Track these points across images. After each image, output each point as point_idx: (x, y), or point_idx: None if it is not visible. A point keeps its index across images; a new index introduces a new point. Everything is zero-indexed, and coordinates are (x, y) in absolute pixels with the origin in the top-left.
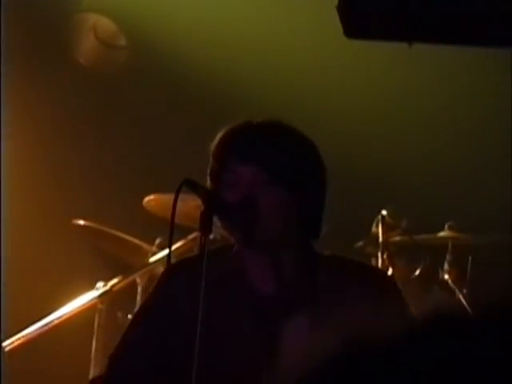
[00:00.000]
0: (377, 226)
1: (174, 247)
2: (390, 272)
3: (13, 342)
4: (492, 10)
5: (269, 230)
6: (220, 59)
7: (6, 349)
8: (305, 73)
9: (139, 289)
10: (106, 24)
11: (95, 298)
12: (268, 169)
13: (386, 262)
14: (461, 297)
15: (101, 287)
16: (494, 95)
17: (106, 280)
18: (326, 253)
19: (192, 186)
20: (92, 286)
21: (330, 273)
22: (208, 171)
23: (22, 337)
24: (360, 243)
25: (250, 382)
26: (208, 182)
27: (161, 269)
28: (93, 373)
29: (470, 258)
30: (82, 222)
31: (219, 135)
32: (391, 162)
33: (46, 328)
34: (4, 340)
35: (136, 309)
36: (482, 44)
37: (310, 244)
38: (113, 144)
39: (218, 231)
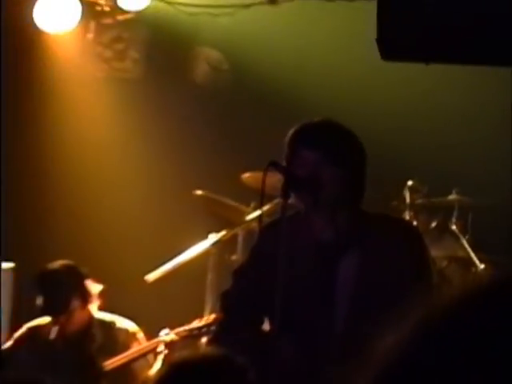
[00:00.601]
0: (405, 192)
1: (263, 209)
2: (414, 224)
3: (155, 276)
4: None
5: (328, 196)
6: (293, 79)
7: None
8: (347, 87)
9: (239, 238)
10: (214, 54)
11: (209, 245)
12: (325, 153)
13: (412, 217)
14: (464, 242)
15: (213, 237)
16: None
17: (217, 232)
18: (370, 211)
19: (275, 166)
20: (206, 237)
21: (372, 225)
22: (284, 156)
23: (162, 271)
24: (394, 203)
25: (315, 304)
26: (284, 164)
27: (254, 224)
28: (208, 301)
29: (470, 214)
30: (199, 192)
31: (290, 131)
32: (416, 146)
33: (175, 267)
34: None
35: (238, 253)
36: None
37: (357, 204)
38: (221, 136)
39: (291, 200)
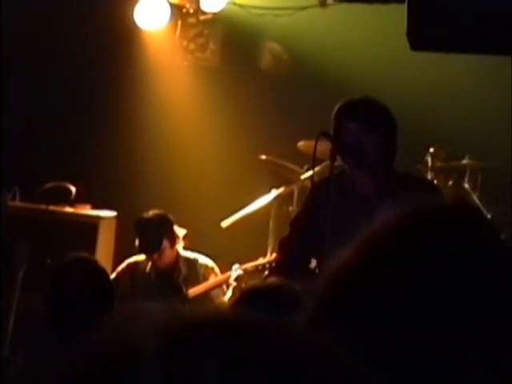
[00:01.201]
0: (427, 157)
1: (315, 170)
2: (435, 182)
3: (229, 222)
4: None
5: (368, 158)
6: (339, 66)
7: (225, 225)
8: (382, 72)
9: (295, 194)
10: (276, 46)
11: (271, 199)
12: (366, 123)
13: (433, 177)
14: (475, 197)
15: (274, 192)
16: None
17: (277, 188)
18: (400, 170)
19: (325, 134)
20: (268, 192)
21: (402, 181)
22: (331, 128)
23: (234, 219)
24: (418, 166)
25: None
26: (332, 133)
27: (307, 182)
28: (270, 244)
29: (479, 175)
30: (263, 157)
31: (336, 106)
32: (433, 118)
33: (245, 216)
34: None
35: (294, 205)
36: None
37: (391, 164)
38: (281, 111)
39: (339, 160)
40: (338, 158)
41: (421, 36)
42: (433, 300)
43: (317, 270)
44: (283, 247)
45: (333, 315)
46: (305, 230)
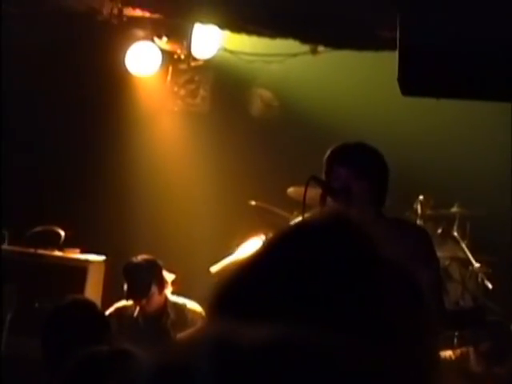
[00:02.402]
0: (416, 205)
1: (304, 216)
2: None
3: (218, 268)
4: None
5: (358, 203)
6: (329, 113)
7: (214, 271)
8: (372, 118)
9: None
10: (266, 93)
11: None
12: (355, 169)
13: (423, 223)
14: (463, 245)
15: (263, 238)
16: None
17: (266, 234)
18: (389, 216)
19: (314, 179)
20: (257, 238)
21: (391, 225)
22: (323, 172)
23: (223, 264)
24: (407, 213)
25: None
26: (323, 177)
27: None
28: None
29: (468, 223)
30: (253, 203)
31: (328, 151)
32: (423, 165)
33: (234, 261)
34: None
35: None
36: None
37: (380, 210)
38: (271, 158)
39: (328, 206)
40: (329, 202)
41: (411, 82)
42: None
43: None
44: None
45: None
46: None
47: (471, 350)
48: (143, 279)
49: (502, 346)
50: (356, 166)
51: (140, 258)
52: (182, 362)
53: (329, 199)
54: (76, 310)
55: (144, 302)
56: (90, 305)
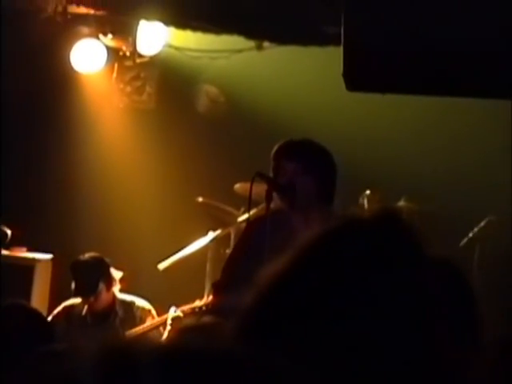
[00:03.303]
0: (363, 199)
1: (251, 212)
2: None
3: (165, 265)
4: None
5: (302, 199)
6: (277, 108)
7: (162, 268)
8: (319, 114)
9: (232, 236)
10: (212, 89)
11: (208, 241)
12: (301, 165)
13: None
14: None
15: (211, 235)
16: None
17: (214, 231)
18: (337, 212)
19: (261, 175)
20: (205, 235)
21: None
22: (270, 168)
23: (171, 261)
24: (354, 208)
25: None
26: (271, 173)
27: (244, 224)
28: (207, 286)
29: (415, 218)
30: (200, 199)
31: (275, 147)
32: (370, 161)
33: (181, 258)
34: None
35: (231, 247)
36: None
37: (327, 206)
38: (218, 154)
39: (275, 202)
40: (276, 198)
41: (356, 77)
42: (361, 307)
43: None
44: (217, 290)
45: (264, 327)
46: (240, 270)
47: None
48: (91, 277)
49: None
50: (302, 162)
51: (87, 255)
52: (125, 362)
53: (275, 195)
54: (14, 316)
55: (92, 299)
56: (29, 310)
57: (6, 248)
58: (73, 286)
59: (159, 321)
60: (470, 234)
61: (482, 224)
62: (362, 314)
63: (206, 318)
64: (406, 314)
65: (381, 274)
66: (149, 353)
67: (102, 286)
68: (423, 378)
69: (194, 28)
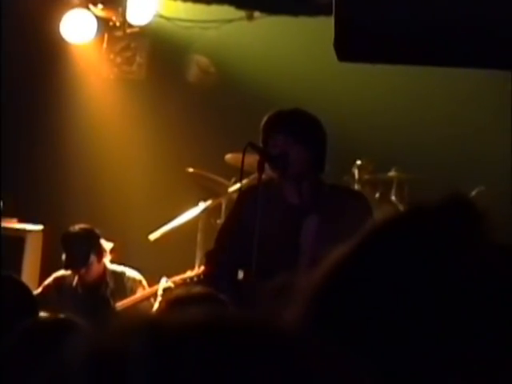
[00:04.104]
0: (354, 169)
1: (243, 182)
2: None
3: (156, 235)
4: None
5: (294, 169)
6: (268, 79)
7: (153, 238)
8: (310, 83)
9: (223, 206)
10: (203, 59)
11: (199, 212)
12: (292, 135)
13: (360, 189)
14: (402, 209)
15: (202, 205)
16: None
17: (205, 201)
18: (327, 182)
19: (252, 146)
20: (196, 205)
21: (329, 192)
22: (260, 138)
23: (162, 232)
24: (345, 177)
25: (282, 254)
26: (261, 144)
27: (235, 195)
28: (198, 256)
29: (406, 187)
30: (191, 170)
31: (265, 118)
32: (361, 131)
33: (172, 229)
34: None
35: (222, 218)
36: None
37: (318, 176)
38: (209, 124)
39: (266, 172)
40: (267, 168)
41: (347, 47)
42: (426, 300)
43: (243, 281)
44: (210, 259)
45: (326, 315)
46: (232, 239)
47: None
48: (81, 249)
49: None
50: (293, 132)
51: (77, 227)
52: (117, 346)
53: (267, 166)
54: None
55: (83, 271)
56: (13, 281)
57: None
58: (63, 257)
59: (150, 291)
60: None
61: (473, 194)
62: (445, 304)
63: (197, 288)
64: (489, 302)
65: (460, 261)
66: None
67: (92, 257)
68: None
69: None
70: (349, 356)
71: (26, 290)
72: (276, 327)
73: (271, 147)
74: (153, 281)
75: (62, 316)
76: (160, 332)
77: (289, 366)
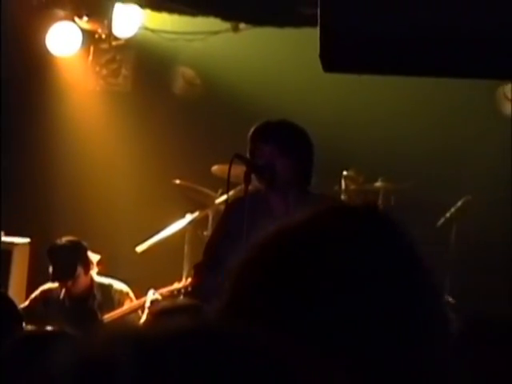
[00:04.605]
0: (342, 180)
1: (229, 193)
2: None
3: (143, 247)
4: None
5: (280, 180)
6: (252, 90)
7: (140, 250)
8: (295, 95)
9: (210, 218)
10: (188, 71)
11: (186, 223)
12: (279, 146)
13: (347, 199)
14: None
15: (189, 217)
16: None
17: (192, 213)
18: (315, 192)
19: (239, 157)
20: (183, 217)
21: (315, 202)
22: (247, 150)
23: (149, 244)
24: (336, 188)
25: None
26: (248, 155)
27: (222, 206)
28: (185, 268)
29: (392, 197)
30: (178, 181)
31: (252, 129)
32: (347, 142)
33: (159, 241)
34: None
35: (209, 229)
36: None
37: (305, 187)
38: (194, 136)
39: (253, 184)
40: (254, 179)
41: (332, 58)
42: (337, 295)
43: None
44: (198, 271)
45: (242, 315)
46: (220, 250)
47: None
48: (68, 261)
49: None
50: (279, 143)
51: (64, 239)
52: (103, 355)
53: (253, 176)
54: None
55: (70, 283)
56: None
57: None
58: (50, 270)
59: (138, 304)
60: (447, 214)
61: (459, 204)
62: (347, 293)
63: (182, 300)
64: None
65: (364, 254)
66: (126, 349)
67: (79, 269)
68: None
69: (170, 10)
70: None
71: (11, 303)
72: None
73: (258, 157)
74: (140, 293)
75: (48, 328)
76: (144, 340)
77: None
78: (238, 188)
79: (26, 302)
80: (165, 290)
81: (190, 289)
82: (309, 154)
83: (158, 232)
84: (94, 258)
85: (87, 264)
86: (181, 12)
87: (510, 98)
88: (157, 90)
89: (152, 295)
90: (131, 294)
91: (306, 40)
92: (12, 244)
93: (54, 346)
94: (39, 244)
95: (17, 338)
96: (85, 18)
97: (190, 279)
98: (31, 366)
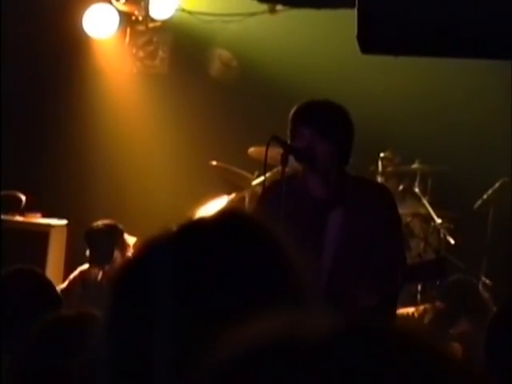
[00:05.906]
0: (378, 162)
1: (266, 175)
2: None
3: None
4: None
5: (320, 164)
6: (288, 71)
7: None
8: (332, 76)
9: (246, 199)
10: (225, 53)
11: (222, 205)
12: (319, 129)
13: (383, 181)
14: (425, 201)
15: (225, 198)
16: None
17: (228, 195)
18: (352, 174)
19: (276, 139)
20: (219, 199)
21: (354, 185)
22: (288, 131)
23: None
24: (372, 168)
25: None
26: (288, 135)
27: (258, 188)
28: None
29: (429, 179)
30: (214, 163)
31: (292, 110)
32: (384, 122)
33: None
34: None
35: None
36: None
37: (343, 168)
38: (231, 118)
39: (290, 165)
40: (291, 161)
41: (370, 39)
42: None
43: None
44: None
45: None
46: None
47: (429, 307)
48: (105, 246)
49: (455, 307)
50: (320, 127)
51: (101, 223)
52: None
53: (291, 158)
54: (20, 281)
55: (107, 267)
56: (36, 275)
57: (21, 214)
58: (87, 254)
59: None
60: (484, 196)
61: (496, 186)
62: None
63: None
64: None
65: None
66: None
67: (116, 253)
68: None
69: None
70: None
71: (49, 285)
72: None
73: (298, 140)
74: None
75: (84, 311)
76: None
77: None
78: (275, 170)
79: (65, 284)
80: None
81: None
82: (350, 137)
83: (194, 214)
84: (131, 240)
85: (124, 247)
86: None
87: None
88: (193, 72)
89: None
90: None
91: (343, 21)
92: (49, 226)
93: (87, 329)
94: (76, 226)
95: (50, 319)
96: (122, 0)
97: None
98: (64, 348)
